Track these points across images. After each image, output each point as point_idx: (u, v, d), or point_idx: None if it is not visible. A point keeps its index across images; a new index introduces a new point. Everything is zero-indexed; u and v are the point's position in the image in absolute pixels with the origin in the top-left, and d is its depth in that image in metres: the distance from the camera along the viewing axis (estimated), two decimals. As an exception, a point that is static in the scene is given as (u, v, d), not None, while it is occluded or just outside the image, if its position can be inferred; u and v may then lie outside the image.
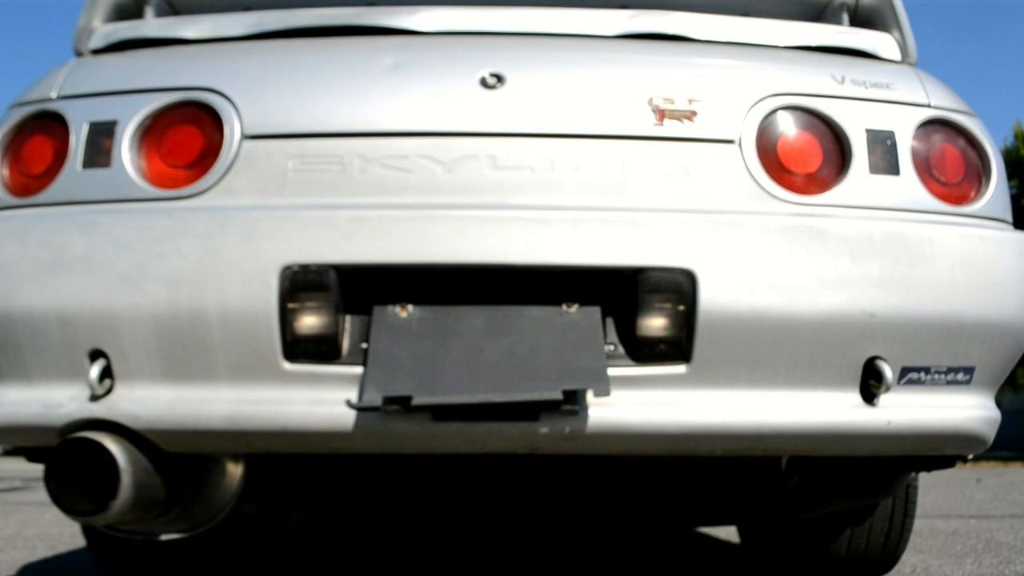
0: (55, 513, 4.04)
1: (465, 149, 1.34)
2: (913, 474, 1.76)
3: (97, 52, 1.57)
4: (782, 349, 1.29)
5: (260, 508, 1.80)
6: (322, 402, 1.25)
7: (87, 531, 1.84)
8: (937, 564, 2.47)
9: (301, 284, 1.25)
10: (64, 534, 3.18)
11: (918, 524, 3.55)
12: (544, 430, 1.22)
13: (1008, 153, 25.06)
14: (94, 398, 1.27)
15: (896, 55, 1.61)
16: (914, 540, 3.00)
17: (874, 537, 1.92)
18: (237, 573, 2.11)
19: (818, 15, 1.80)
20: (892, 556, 1.96)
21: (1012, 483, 7.62)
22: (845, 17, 1.75)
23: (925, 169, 1.41)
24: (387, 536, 3.07)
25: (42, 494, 5.85)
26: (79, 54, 1.57)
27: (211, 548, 1.93)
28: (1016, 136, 24.86)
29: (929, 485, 7.21)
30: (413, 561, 2.63)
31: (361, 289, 1.29)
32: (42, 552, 2.70)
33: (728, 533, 3.11)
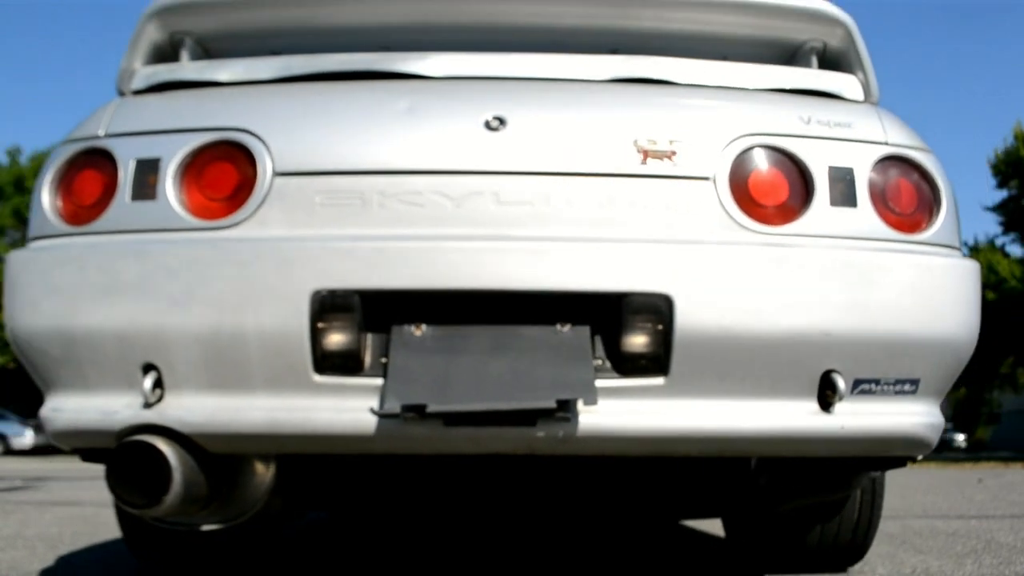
0: (55, 513, 4.13)
1: (471, 186, 1.47)
2: (878, 472, 1.88)
3: (138, 92, 1.70)
4: (749, 364, 1.43)
5: (287, 503, 1.93)
6: (347, 409, 1.39)
7: (123, 524, 2.03)
8: (937, 564, 2.46)
9: (329, 307, 1.40)
10: (64, 534, 3.18)
11: (918, 524, 3.55)
12: (540, 434, 1.36)
13: (1008, 154, 25.08)
14: (147, 406, 1.42)
15: (859, 95, 1.74)
16: (914, 541, 3.00)
17: (844, 529, 2.09)
18: (260, 562, 2.33)
19: (790, 58, 1.91)
20: (861, 546, 2.14)
21: (1012, 483, 7.62)
22: (814, 60, 1.86)
23: (881, 201, 1.55)
24: (400, 529, 3.29)
25: (42, 494, 5.88)
26: (121, 93, 1.72)
27: (237, 539, 2.13)
28: (1016, 136, 24.86)
29: (929, 486, 7.20)
30: (421, 553, 2.76)
31: (381, 311, 1.43)
32: (42, 551, 2.70)
33: (714, 527, 3.17)
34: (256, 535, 2.20)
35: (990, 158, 25.37)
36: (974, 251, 25.92)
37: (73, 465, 13.75)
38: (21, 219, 24.74)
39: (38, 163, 25.77)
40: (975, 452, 33.96)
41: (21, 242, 26.10)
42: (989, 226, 55.29)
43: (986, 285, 23.98)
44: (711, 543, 3.01)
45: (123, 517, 2.03)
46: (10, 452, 22.13)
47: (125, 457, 1.38)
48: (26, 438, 22.34)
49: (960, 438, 40.32)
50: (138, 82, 1.71)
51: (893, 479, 9.28)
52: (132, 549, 2.14)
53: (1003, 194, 25.46)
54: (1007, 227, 25.71)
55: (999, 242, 26.06)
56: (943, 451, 39.66)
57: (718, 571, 2.42)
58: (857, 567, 2.40)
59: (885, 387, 1.48)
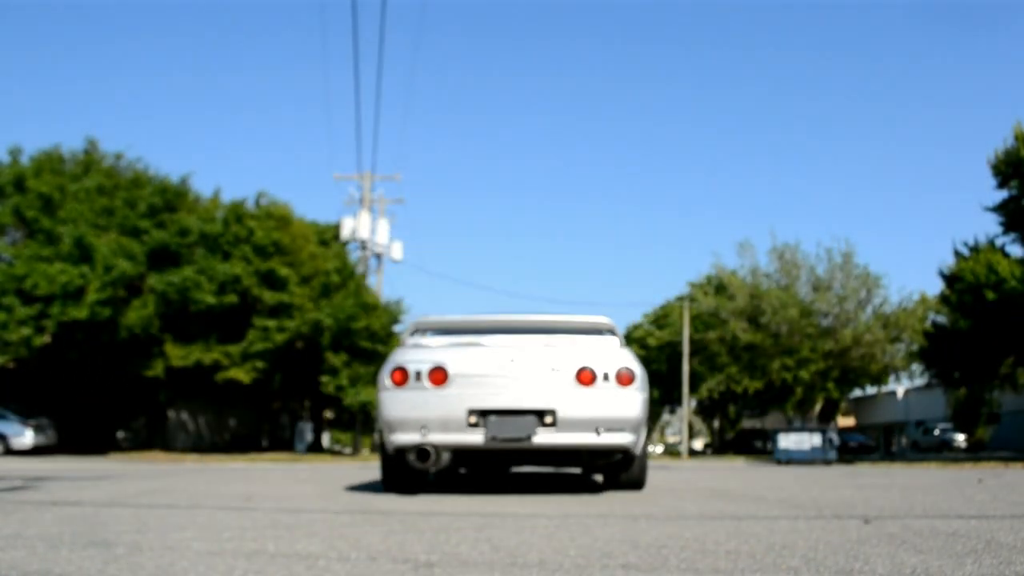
0: (55, 513, 4.13)
1: (508, 379, 5.51)
2: (638, 452, 5.91)
3: (407, 347, 5.94)
4: (579, 424, 5.43)
5: (452, 465, 5.84)
6: (475, 437, 5.43)
7: (385, 475, 5.93)
8: (937, 564, 2.46)
9: (472, 411, 5.44)
10: (64, 534, 3.17)
11: (918, 524, 3.56)
12: (524, 444, 5.43)
13: (1008, 154, 25.10)
14: (423, 436, 5.41)
15: (618, 345, 5.96)
16: (914, 540, 3.01)
17: (633, 475, 6.20)
18: (427, 483, 6.88)
19: (599, 332, 6.25)
20: (640, 481, 6.26)
21: (1012, 483, 7.62)
22: (608, 333, 6.22)
23: (617, 378, 5.50)
24: (475, 475, 7.71)
25: (42, 494, 5.86)
26: (402, 345, 6.05)
27: (421, 479, 6.13)
28: (1016, 136, 24.88)
29: (929, 486, 7.21)
30: (483, 482, 6.47)
31: (484, 412, 5.44)
32: (42, 551, 2.70)
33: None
34: (424, 477, 6.16)
35: (990, 158, 25.39)
36: (974, 251, 25.93)
37: (73, 465, 13.75)
38: (21, 219, 24.68)
39: (38, 163, 25.71)
40: (975, 452, 33.94)
41: (22, 241, 25.53)
42: (989, 226, 55.22)
43: (986, 285, 24.00)
44: (590, 481, 7.60)
45: (385, 472, 5.93)
46: (10, 452, 22.13)
47: (419, 451, 5.39)
48: (26, 438, 22.33)
49: (960, 438, 40.26)
50: (409, 342, 6.04)
51: (894, 480, 9.24)
52: (385, 486, 5.96)
53: (1003, 194, 25.47)
54: (1007, 227, 25.71)
55: (999, 242, 26.06)
56: (943, 451, 39.66)
57: (591, 486, 6.78)
58: (857, 567, 2.41)
59: (614, 429, 5.43)
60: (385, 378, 5.53)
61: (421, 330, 6.25)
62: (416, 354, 5.61)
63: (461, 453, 5.61)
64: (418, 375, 5.44)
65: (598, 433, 5.38)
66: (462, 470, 8.68)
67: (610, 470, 6.23)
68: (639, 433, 5.59)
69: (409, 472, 5.79)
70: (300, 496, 5.54)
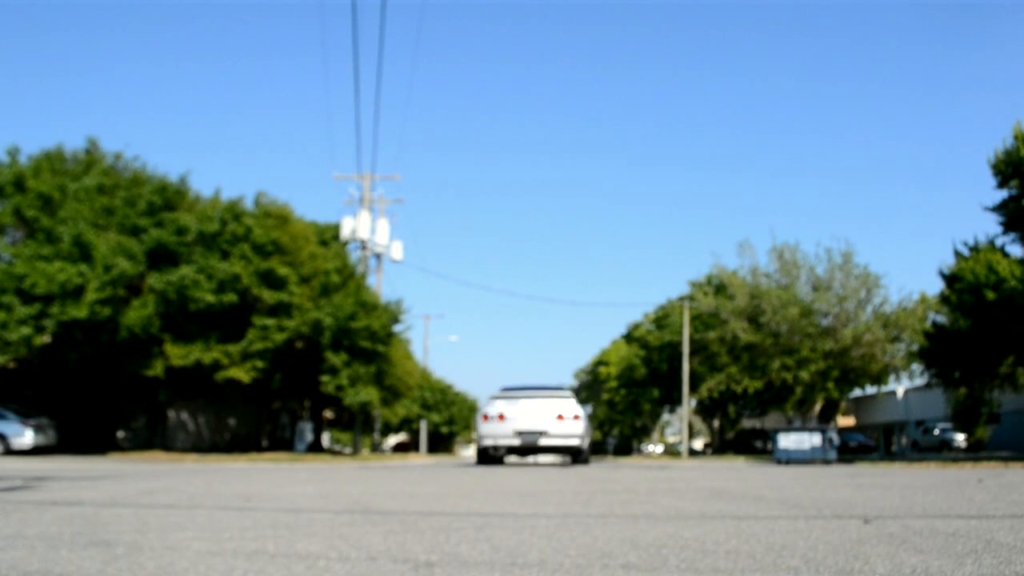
0: (55, 513, 4.14)
1: (529, 417, 15.95)
2: (578, 451, 16.26)
3: (490, 401, 16.81)
4: (557, 436, 15.80)
5: (506, 453, 16.40)
6: (517, 441, 15.84)
7: (478, 457, 16.44)
8: (937, 564, 2.46)
9: (516, 431, 15.78)
10: (64, 534, 3.17)
11: (918, 524, 3.56)
12: (535, 444, 15.97)
13: (1008, 154, 25.09)
14: (495, 441, 16.19)
15: (574, 402, 16.34)
16: (914, 540, 3.01)
17: (582, 458, 16.37)
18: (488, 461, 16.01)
19: (566, 396, 16.77)
20: (587, 461, 16.66)
21: (1012, 483, 7.61)
22: (569, 396, 16.72)
23: (572, 416, 15.86)
24: (515, 460, 19.40)
25: (42, 494, 5.84)
26: (486, 403, 17.51)
27: (491, 459, 16.51)
28: (1016, 136, 24.88)
29: (929, 486, 7.20)
30: (516, 464, 15.23)
31: (520, 431, 15.82)
32: (42, 551, 2.70)
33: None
34: (495, 460, 16.47)
35: (990, 158, 25.38)
36: (974, 251, 25.93)
37: (73, 465, 13.76)
38: (21, 218, 24.67)
39: (38, 163, 25.71)
40: (975, 452, 33.93)
41: (22, 241, 25.62)
42: (989, 226, 55.27)
43: (986, 285, 23.98)
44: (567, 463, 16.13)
45: (479, 457, 16.35)
46: (10, 452, 22.13)
47: (494, 447, 15.95)
48: (26, 438, 22.34)
49: (960, 438, 40.25)
50: (489, 401, 16.50)
51: (893, 479, 9.26)
52: (478, 462, 16.22)
53: (1003, 194, 25.45)
54: (1007, 227, 25.69)
55: (999, 242, 26.05)
56: (943, 451, 39.66)
57: (568, 466, 15.90)
58: (857, 566, 2.40)
59: (571, 438, 15.68)
60: (480, 417, 15.50)
61: (494, 397, 15.32)
62: (492, 407, 15.44)
63: (511, 448, 15.20)
64: (493, 416, 15.24)
65: (564, 439, 15.06)
66: (508, 458, 18.20)
67: (571, 456, 15.65)
68: (584, 440, 15.33)
69: (489, 457, 15.40)
70: (300, 496, 5.53)
